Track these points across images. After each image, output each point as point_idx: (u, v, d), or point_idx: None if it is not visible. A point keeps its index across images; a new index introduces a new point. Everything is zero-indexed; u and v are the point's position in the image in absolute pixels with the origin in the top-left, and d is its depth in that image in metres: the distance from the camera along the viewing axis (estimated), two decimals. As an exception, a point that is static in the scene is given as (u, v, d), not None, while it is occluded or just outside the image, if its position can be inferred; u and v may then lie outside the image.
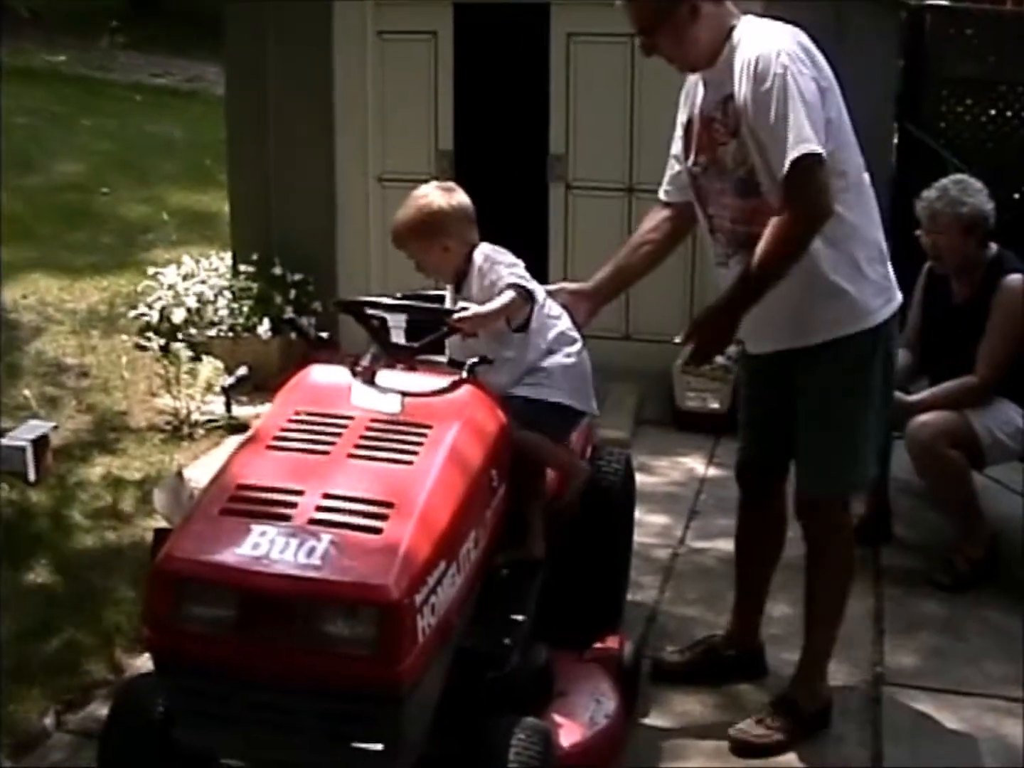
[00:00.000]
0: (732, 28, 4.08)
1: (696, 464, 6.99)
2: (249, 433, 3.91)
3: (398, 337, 4.29)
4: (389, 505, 3.38)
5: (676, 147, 4.44)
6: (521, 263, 4.34)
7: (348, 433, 3.67)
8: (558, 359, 4.32)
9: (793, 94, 3.86)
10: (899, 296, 4.33)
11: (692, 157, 4.27)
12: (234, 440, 6.99)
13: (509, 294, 4.13)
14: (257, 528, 3.31)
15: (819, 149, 3.84)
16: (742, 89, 3.96)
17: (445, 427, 3.74)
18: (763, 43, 3.96)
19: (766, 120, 3.90)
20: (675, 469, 6.93)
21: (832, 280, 4.09)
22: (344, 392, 3.86)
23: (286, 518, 3.34)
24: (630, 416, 7.43)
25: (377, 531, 3.30)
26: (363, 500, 3.39)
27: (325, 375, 4.04)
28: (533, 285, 4.27)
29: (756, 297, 3.98)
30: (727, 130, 4.07)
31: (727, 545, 5.04)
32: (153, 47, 20.10)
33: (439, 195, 4.36)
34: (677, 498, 6.52)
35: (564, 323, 4.39)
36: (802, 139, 3.83)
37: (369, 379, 3.92)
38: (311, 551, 3.23)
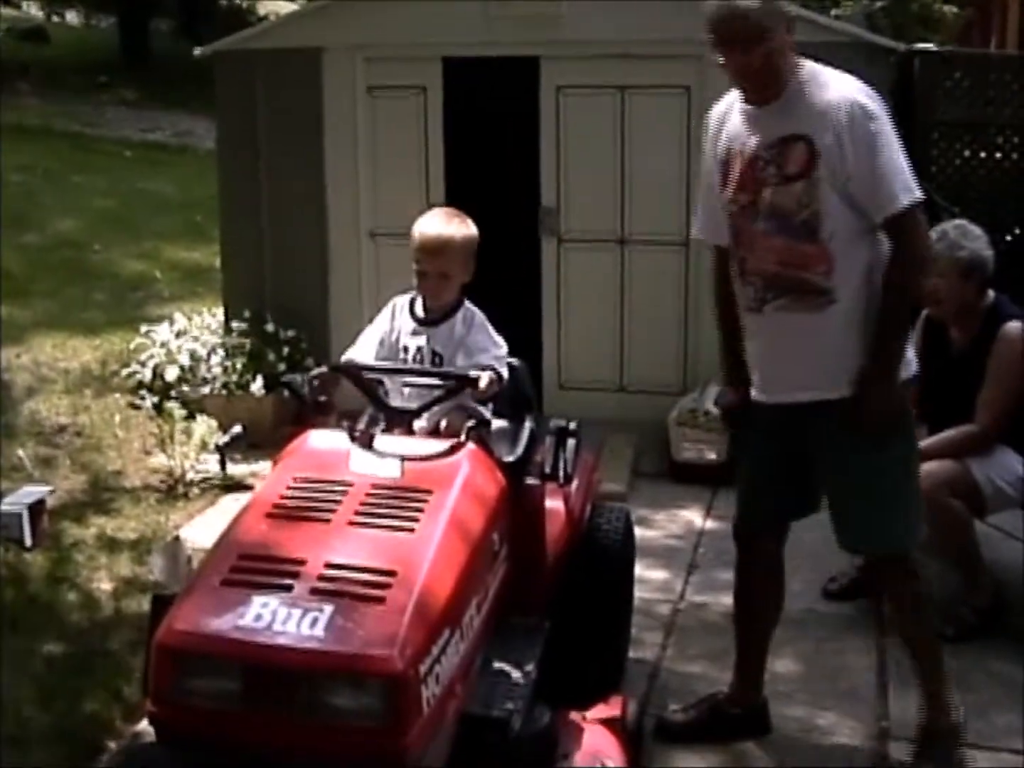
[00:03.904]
0: (797, 67, 4.08)
1: (694, 516, 6.96)
2: (248, 500, 3.88)
3: (397, 398, 4.28)
4: (392, 574, 3.35)
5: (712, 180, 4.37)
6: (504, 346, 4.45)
7: (348, 500, 3.65)
8: None
9: (892, 141, 3.97)
10: None
11: (730, 194, 4.22)
12: (229, 499, 7.00)
13: (489, 380, 4.17)
14: (259, 599, 3.28)
15: (921, 196, 3.98)
16: (828, 132, 3.95)
17: (445, 492, 3.72)
18: (850, 89, 4.04)
19: (870, 166, 3.94)
20: (673, 522, 6.89)
21: None
22: (343, 458, 3.85)
23: (288, 588, 3.31)
24: (626, 469, 7.40)
25: (380, 600, 3.27)
26: (365, 569, 3.37)
27: (323, 440, 4.02)
28: (504, 371, 4.34)
29: (900, 353, 4.09)
30: (780, 171, 4.04)
31: (728, 599, 4.99)
32: (143, 102, 20.19)
33: (471, 225, 4.47)
34: (676, 551, 6.48)
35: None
36: (908, 186, 3.97)
37: (367, 444, 3.90)
38: (314, 622, 3.20)
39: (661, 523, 6.86)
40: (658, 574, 6.16)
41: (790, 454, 4.35)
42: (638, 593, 5.40)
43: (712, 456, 7.36)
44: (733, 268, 4.32)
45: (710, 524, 6.85)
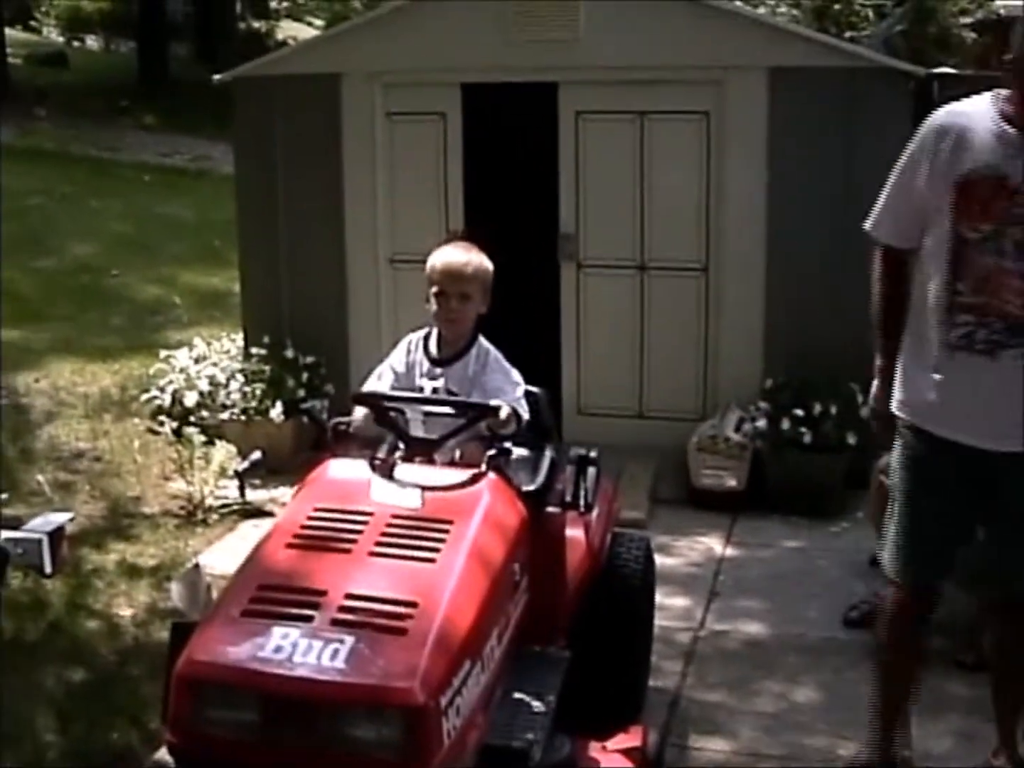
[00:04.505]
0: None
1: (714, 543, 6.93)
2: (268, 529, 3.88)
3: (417, 430, 4.27)
4: (413, 605, 3.34)
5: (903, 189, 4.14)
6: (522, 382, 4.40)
7: (369, 530, 3.63)
8: None
9: None
10: None
11: (967, 221, 3.91)
12: (248, 525, 7.00)
13: (509, 412, 4.12)
14: (279, 630, 3.27)
15: None
16: None
17: (466, 522, 3.70)
18: None
19: None
20: (693, 549, 6.86)
21: None
22: (364, 487, 3.84)
23: (308, 619, 3.30)
24: (645, 495, 7.37)
25: (401, 632, 3.26)
26: (386, 600, 3.35)
27: (344, 470, 4.01)
28: (525, 414, 4.28)
29: None
30: None
31: (748, 627, 4.98)
32: (162, 127, 20.25)
33: (486, 258, 4.44)
34: (696, 579, 6.45)
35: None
36: None
37: (388, 473, 3.90)
38: (334, 653, 3.19)
39: (681, 550, 6.82)
40: (678, 602, 6.13)
41: (974, 504, 4.14)
42: (658, 621, 5.37)
43: (732, 483, 7.34)
44: (939, 297, 4.00)
45: (730, 551, 6.83)
